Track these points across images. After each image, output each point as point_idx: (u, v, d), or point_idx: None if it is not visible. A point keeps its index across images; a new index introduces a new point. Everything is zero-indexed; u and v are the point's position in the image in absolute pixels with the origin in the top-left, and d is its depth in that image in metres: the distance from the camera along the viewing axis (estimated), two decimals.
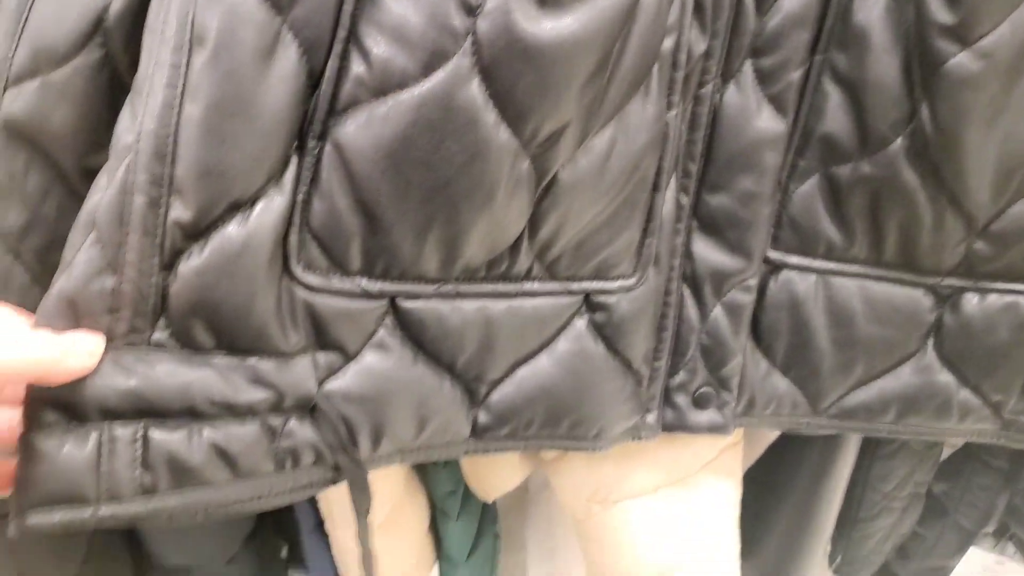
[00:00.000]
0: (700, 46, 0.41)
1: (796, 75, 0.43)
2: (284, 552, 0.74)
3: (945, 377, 0.49)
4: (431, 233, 0.38)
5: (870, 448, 0.69)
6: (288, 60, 0.34)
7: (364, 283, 0.39)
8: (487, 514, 0.77)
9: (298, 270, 0.38)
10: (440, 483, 0.68)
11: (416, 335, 0.41)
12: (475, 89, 0.35)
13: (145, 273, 0.34)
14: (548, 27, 0.34)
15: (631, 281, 0.44)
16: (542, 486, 0.78)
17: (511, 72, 0.35)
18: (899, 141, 0.43)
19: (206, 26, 0.32)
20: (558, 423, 0.46)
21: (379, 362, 0.40)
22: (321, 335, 0.39)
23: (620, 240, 0.42)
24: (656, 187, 0.42)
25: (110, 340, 0.34)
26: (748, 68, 0.42)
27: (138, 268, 0.34)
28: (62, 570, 0.59)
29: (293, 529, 0.69)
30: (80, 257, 0.33)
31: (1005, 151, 0.42)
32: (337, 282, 0.38)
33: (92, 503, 0.34)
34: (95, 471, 0.34)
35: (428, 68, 0.35)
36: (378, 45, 0.34)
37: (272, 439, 0.38)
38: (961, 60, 0.39)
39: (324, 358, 0.39)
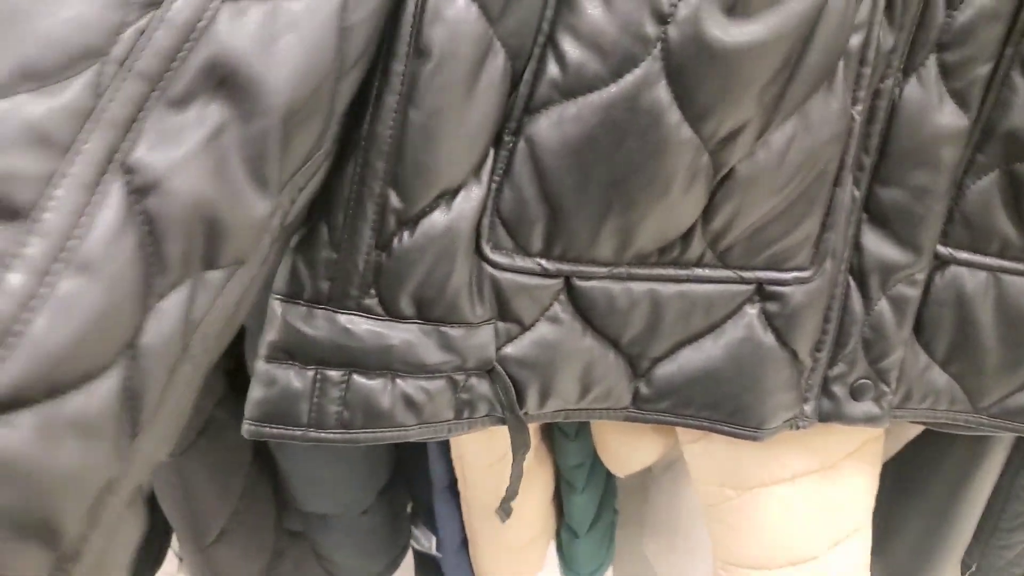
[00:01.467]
0: (888, 41, 0.41)
1: (984, 70, 0.42)
2: (409, 508, 0.78)
3: None
4: (607, 222, 0.41)
5: (1020, 454, 0.66)
6: (496, 67, 0.37)
7: (543, 263, 0.43)
8: (609, 490, 0.79)
9: (487, 249, 0.41)
10: (569, 455, 0.70)
11: (586, 311, 0.45)
12: (661, 91, 0.37)
13: (362, 251, 0.39)
14: (735, 33, 0.36)
15: (807, 273, 0.44)
16: (665, 467, 0.79)
17: (696, 75, 0.37)
18: None
19: (431, 40, 0.36)
20: (718, 407, 0.47)
21: (551, 333, 0.44)
22: (503, 307, 0.43)
23: (797, 232, 0.43)
24: (837, 182, 0.43)
25: (328, 302, 0.39)
26: (932, 62, 0.42)
27: (356, 247, 0.39)
28: (224, 500, 0.65)
29: (423, 487, 0.72)
30: (313, 229, 0.39)
31: None
32: (520, 261, 0.42)
33: (303, 427, 0.41)
34: (308, 401, 0.41)
35: (618, 72, 0.37)
36: (573, 50, 0.37)
37: (454, 391, 0.44)
38: None
39: (504, 327, 0.44)
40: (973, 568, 0.76)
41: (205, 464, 0.62)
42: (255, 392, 0.41)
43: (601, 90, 0.37)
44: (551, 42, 0.37)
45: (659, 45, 0.36)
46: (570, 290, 0.44)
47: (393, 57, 0.36)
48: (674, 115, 0.38)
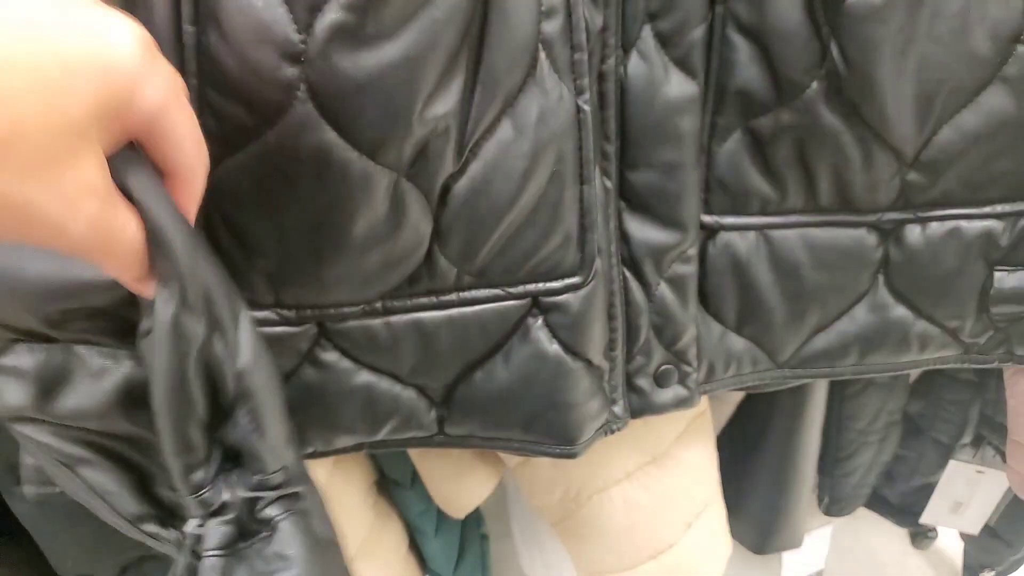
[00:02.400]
0: (597, 20, 0.38)
1: (699, 32, 0.40)
2: None
3: (900, 311, 0.48)
4: (324, 271, 0.38)
5: (838, 389, 0.68)
6: None
7: (282, 312, 0.39)
8: (470, 521, 0.76)
9: None
10: (411, 503, 0.67)
11: (350, 350, 0.42)
12: (322, 131, 0.33)
13: None
14: (372, 59, 0.32)
15: (577, 279, 0.42)
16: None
17: (349, 107, 0.33)
18: (814, 85, 0.41)
19: None
20: (527, 427, 0.44)
21: (317, 376, 0.42)
22: None
23: (552, 240, 0.40)
24: (584, 179, 0.40)
25: None
26: (648, 33, 0.40)
27: None
28: None
29: None
30: None
31: (921, 79, 0.40)
32: (255, 312, 0.38)
33: None
34: None
35: (270, 119, 0.33)
36: (222, 101, 0.33)
37: None
38: None
39: None
40: (826, 500, 0.78)
41: None
42: None
43: (260, 139, 0.33)
44: (203, 97, 0.33)
45: (302, 86, 0.32)
46: (326, 333, 0.41)
47: None
48: (345, 152, 0.34)
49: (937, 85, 0.41)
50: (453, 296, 0.41)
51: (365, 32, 0.31)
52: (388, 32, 0.31)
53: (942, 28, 0.39)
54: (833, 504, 0.77)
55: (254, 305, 0.39)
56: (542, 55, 0.36)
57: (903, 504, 0.83)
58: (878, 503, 0.84)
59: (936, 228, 0.46)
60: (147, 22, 0.30)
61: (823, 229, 0.46)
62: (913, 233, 0.46)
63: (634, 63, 0.41)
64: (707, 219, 0.46)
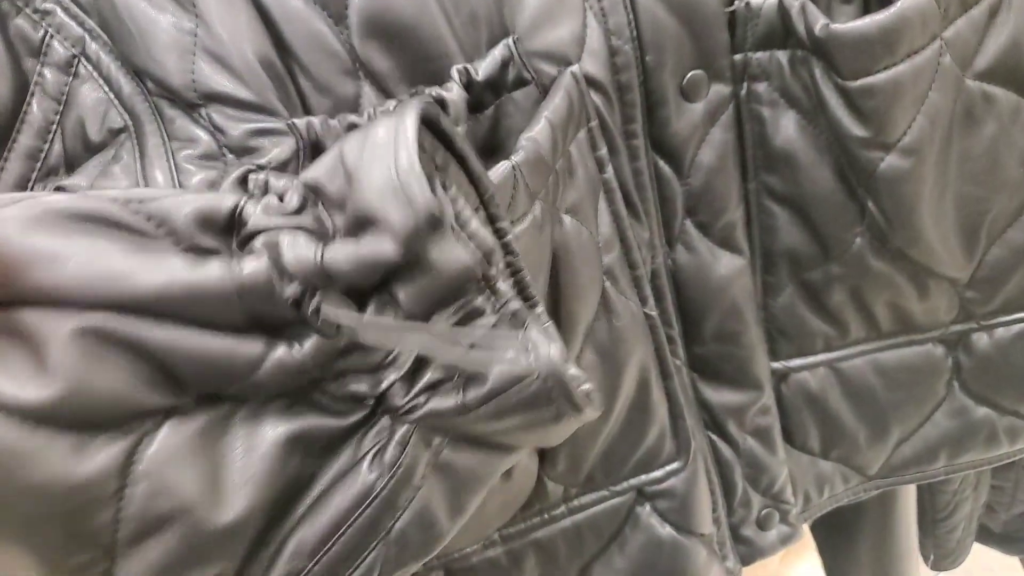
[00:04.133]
0: (644, 235, 0.41)
1: (737, 213, 0.43)
2: None
3: (982, 412, 0.50)
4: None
5: None
6: None
7: None
8: None
9: None
10: None
11: None
12: None
13: None
14: None
15: (677, 464, 0.43)
16: None
17: None
18: (858, 240, 0.43)
19: None
20: None
21: None
22: None
23: (648, 437, 0.42)
24: (665, 375, 0.42)
25: None
26: (689, 226, 0.42)
27: None
28: None
29: None
30: None
31: (963, 215, 0.42)
32: None
33: None
34: None
35: None
36: None
37: None
38: (891, 162, 0.39)
39: None
40: (932, 557, 0.78)
41: None
42: None
43: None
44: None
45: None
46: (450, 572, 0.42)
47: None
48: None
49: (979, 216, 0.42)
50: (563, 509, 0.43)
51: None
52: None
53: (974, 168, 0.41)
54: (940, 560, 0.77)
55: None
56: (608, 284, 0.39)
57: (1007, 532, 0.82)
58: (983, 534, 0.84)
59: (1003, 333, 0.47)
60: None
61: (889, 352, 0.48)
62: (981, 341, 0.47)
63: (681, 253, 0.43)
64: (775, 366, 0.47)
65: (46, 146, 0.34)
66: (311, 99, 0.34)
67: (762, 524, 0.49)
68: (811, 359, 0.47)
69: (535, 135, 0.33)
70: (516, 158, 0.32)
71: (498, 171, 0.31)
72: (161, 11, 0.33)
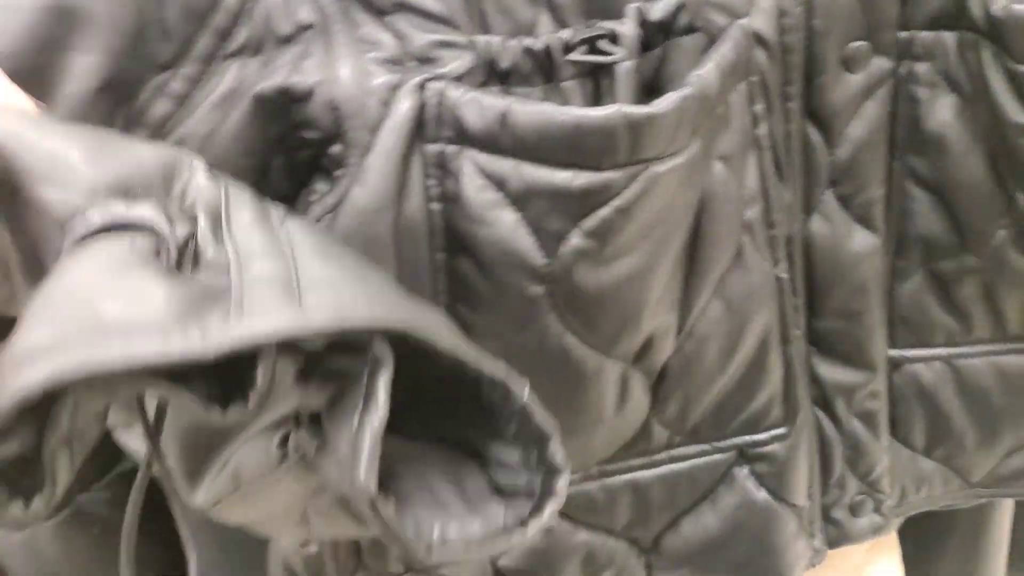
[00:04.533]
0: (786, 196, 0.41)
1: (879, 191, 0.43)
2: None
3: None
4: None
5: None
6: None
7: None
8: None
9: None
10: None
11: (569, 513, 0.44)
12: (563, 337, 0.37)
13: None
14: (611, 274, 0.35)
15: (783, 430, 0.44)
16: None
17: (589, 315, 0.36)
18: (1001, 234, 0.42)
19: None
20: (737, 571, 0.46)
21: (540, 540, 0.44)
22: None
23: (760, 397, 0.43)
24: (785, 339, 0.42)
25: None
26: (829, 197, 0.43)
27: None
28: None
29: None
30: None
31: None
32: None
33: None
34: None
35: (518, 329, 0.37)
36: (472, 315, 0.37)
37: None
38: None
39: None
40: None
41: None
42: None
43: (508, 344, 0.37)
44: (453, 312, 0.37)
45: (547, 301, 0.36)
46: None
47: None
48: (582, 351, 0.37)
49: None
50: (664, 455, 0.44)
51: (603, 254, 0.35)
52: (623, 252, 0.35)
53: None
54: None
55: None
56: (745, 239, 0.40)
57: None
58: None
59: None
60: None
61: (1013, 356, 0.47)
62: None
63: (816, 223, 0.43)
64: (892, 353, 0.47)
65: (235, 29, 0.37)
66: (491, 19, 0.36)
67: (854, 509, 0.49)
68: (929, 351, 0.47)
69: (704, 74, 0.34)
70: (686, 91, 0.33)
71: (669, 99, 0.33)
72: None
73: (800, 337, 0.44)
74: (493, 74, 0.36)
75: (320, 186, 0.37)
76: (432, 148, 0.35)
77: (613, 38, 0.35)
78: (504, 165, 0.34)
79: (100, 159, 0.27)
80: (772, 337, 0.42)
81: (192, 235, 0.26)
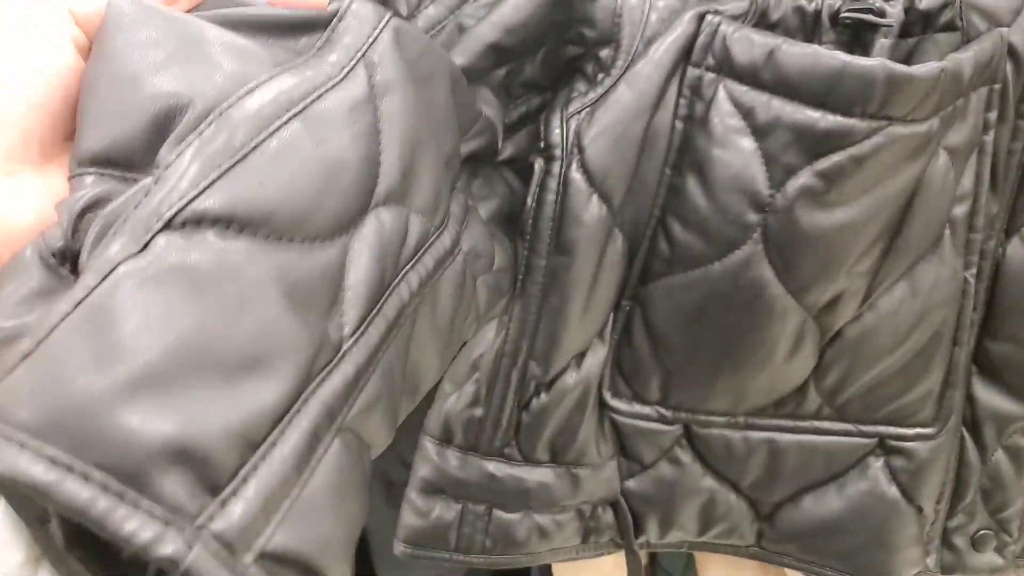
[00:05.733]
0: (994, 207, 0.43)
1: None
2: None
3: None
4: (718, 381, 0.44)
5: None
6: (616, 250, 0.41)
7: (661, 410, 0.46)
8: None
9: (607, 396, 0.45)
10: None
11: (705, 455, 0.47)
12: (763, 269, 0.40)
13: (506, 411, 0.43)
14: (829, 218, 0.38)
15: (931, 430, 0.45)
16: None
17: (795, 254, 0.39)
18: None
19: (571, 241, 0.40)
20: (846, 559, 0.47)
21: (671, 472, 0.47)
22: (624, 447, 0.46)
23: (917, 389, 0.44)
24: (956, 341, 0.44)
25: (475, 451, 0.44)
26: None
27: (501, 408, 0.43)
28: None
29: None
30: (464, 389, 0.43)
31: None
32: (639, 407, 0.45)
33: (451, 551, 0.46)
34: (456, 531, 0.46)
35: (722, 253, 0.40)
36: (682, 232, 0.41)
37: (581, 520, 0.47)
38: None
39: (626, 463, 0.47)
40: None
41: None
42: (408, 519, 0.45)
43: (707, 267, 0.40)
44: (662, 225, 0.41)
45: (759, 230, 0.39)
46: (689, 436, 0.47)
47: (534, 254, 0.40)
48: (776, 289, 0.40)
49: None
50: (809, 424, 0.46)
51: (827, 197, 0.38)
52: (846, 199, 0.38)
53: None
54: None
55: (638, 399, 0.45)
56: (947, 232, 0.42)
57: None
58: None
59: None
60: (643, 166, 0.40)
61: None
62: None
63: (1014, 246, 0.44)
64: None
65: None
66: None
67: (976, 543, 0.49)
68: None
69: (962, 58, 0.37)
70: (945, 63, 0.36)
71: (929, 66, 0.36)
72: None
73: (968, 347, 0.45)
74: (762, 22, 0.40)
75: (580, 86, 0.41)
76: (692, 72, 0.39)
77: (880, 14, 0.39)
78: (757, 97, 0.38)
79: None
80: (946, 334, 0.44)
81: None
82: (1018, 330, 0.45)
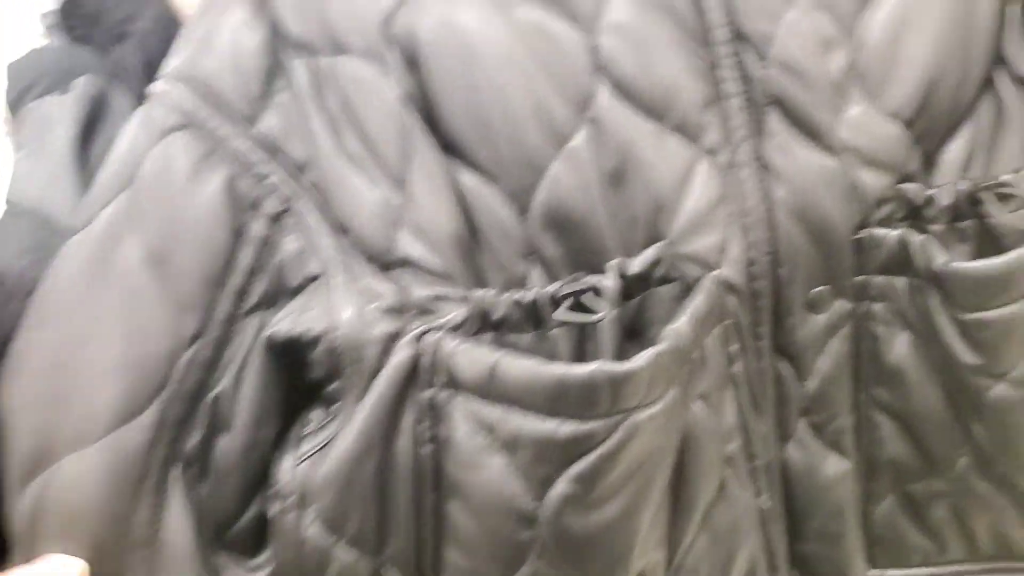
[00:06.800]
0: (762, 428, 0.43)
1: (848, 420, 0.45)
2: None
3: None
4: None
5: None
6: None
7: None
8: None
9: None
10: None
11: None
12: None
13: None
14: (599, 517, 0.37)
15: None
16: None
17: (580, 560, 0.38)
18: (963, 460, 0.44)
19: None
20: None
21: None
22: None
23: None
24: (773, 568, 0.43)
25: None
26: (803, 426, 0.45)
27: None
28: None
29: None
30: None
31: None
32: None
33: None
34: None
35: (506, 573, 0.38)
36: (461, 558, 0.38)
37: None
38: (1000, 392, 0.42)
39: None
40: None
41: None
42: None
43: None
44: (438, 555, 0.38)
45: (536, 546, 0.37)
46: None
47: None
48: None
49: None
50: None
51: (591, 498, 0.36)
52: (611, 494, 0.37)
53: None
54: None
55: None
56: (728, 472, 0.41)
57: None
58: None
59: None
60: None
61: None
62: None
63: (792, 450, 0.45)
64: (871, 573, 0.48)
65: (251, 287, 0.40)
66: (488, 274, 0.40)
67: None
68: (908, 571, 0.48)
69: (678, 328, 0.37)
70: (660, 347, 0.36)
71: (644, 356, 0.35)
72: (373, 187, 0.40)
73: (783, 566, 0.45)
74: (487, 324, 0.39)
75: (316, 415, 0.39)
76: (425, 394, 0.37)
77: (596, 291, 0.39)
78: (493, 412, 0.36)
79: None
80: (759, 567, 0.43)
81: None
82: (818, 525, 0.46)
